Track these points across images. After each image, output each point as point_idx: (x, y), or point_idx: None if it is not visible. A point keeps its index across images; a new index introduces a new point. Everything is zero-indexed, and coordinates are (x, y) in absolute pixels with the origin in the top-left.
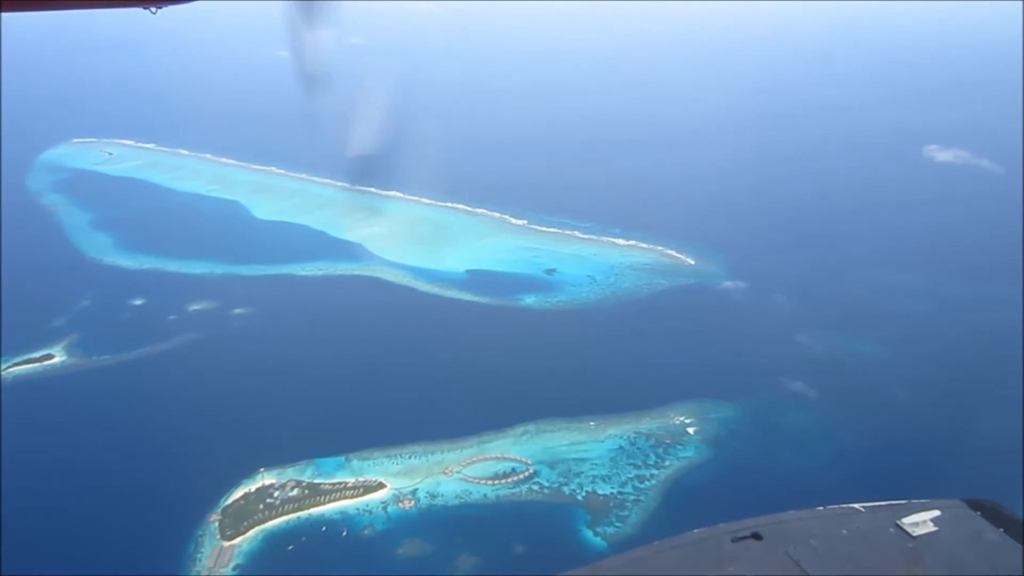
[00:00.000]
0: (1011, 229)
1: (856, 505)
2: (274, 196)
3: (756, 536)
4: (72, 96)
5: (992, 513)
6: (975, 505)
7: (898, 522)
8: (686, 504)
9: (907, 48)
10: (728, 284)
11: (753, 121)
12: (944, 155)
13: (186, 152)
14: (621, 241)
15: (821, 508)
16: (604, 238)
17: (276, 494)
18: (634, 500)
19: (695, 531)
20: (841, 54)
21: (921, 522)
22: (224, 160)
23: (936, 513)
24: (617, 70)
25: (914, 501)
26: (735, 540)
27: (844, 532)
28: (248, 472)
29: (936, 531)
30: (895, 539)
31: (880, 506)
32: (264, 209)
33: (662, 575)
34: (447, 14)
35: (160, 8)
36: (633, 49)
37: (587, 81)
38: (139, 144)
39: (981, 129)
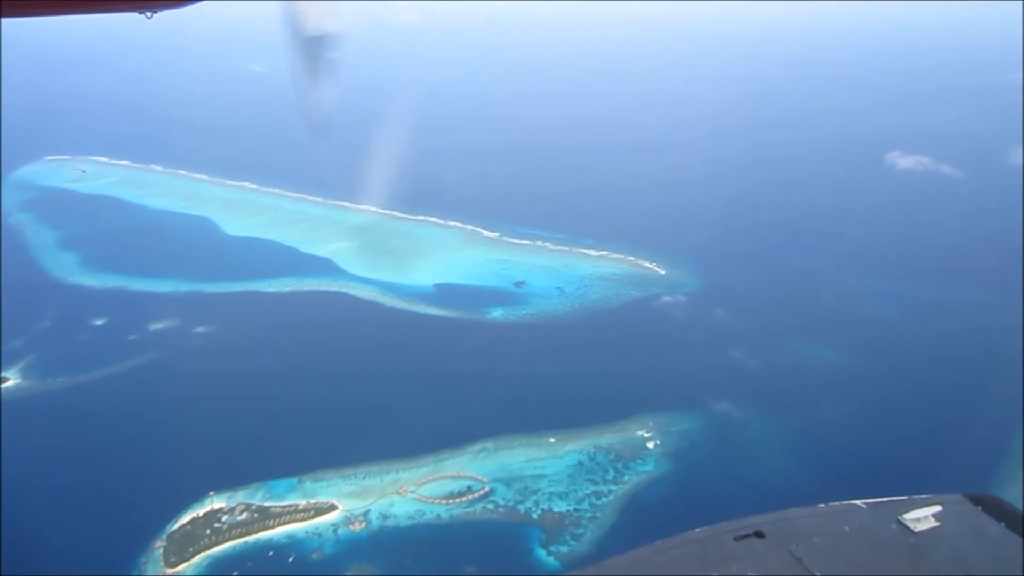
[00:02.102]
0: (974, 233)
1: (857, 502)
2: (246, 212)
3: (758, 534)
4: (46, 112)
5: (993, 508)
6: (976, 500)
7: (900, 518)
8: (643, 519)
9: (867, 57)
10: (698, 294)
11: (724, 130)
12: (906, 162)
13: (160, 168)
14: (592, 252)
15: (823, 505)
16: (576, 249)
17: (224, 518)
18: (590, 517)
19: (697, 530)
20: (803, 63)
21: (923, 518)
22: (198, 176)
23: (937, 508)
24: (591, 78)
25: (915, 497)
26: (737, 538)
27: (846, 529)
28: (197, 496)
29: (938, 526)
30: (897, 535)
31: (881, 502)
32: (235, 225)
33: (665, 575)
34: (425, 26)
35: (156, 12)
36: (606, 58)
37: (562, 89)
38: (113, 161)
39: (941, 136)
